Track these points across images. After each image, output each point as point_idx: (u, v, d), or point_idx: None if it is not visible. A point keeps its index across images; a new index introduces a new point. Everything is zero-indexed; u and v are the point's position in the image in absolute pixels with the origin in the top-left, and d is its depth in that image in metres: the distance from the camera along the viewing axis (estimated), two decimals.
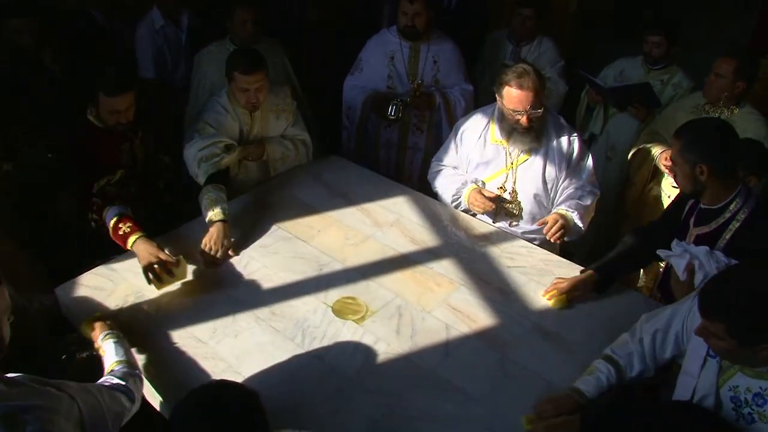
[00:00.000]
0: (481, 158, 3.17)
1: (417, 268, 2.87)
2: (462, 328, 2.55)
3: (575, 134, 3.11)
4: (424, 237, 3.07)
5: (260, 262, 2.88)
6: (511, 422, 2.15)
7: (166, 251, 2.73)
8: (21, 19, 3.53)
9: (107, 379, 2.02)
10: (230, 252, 2.89)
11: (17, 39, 3.55)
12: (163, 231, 3.00)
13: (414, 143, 4.08)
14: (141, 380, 2.13)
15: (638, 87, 3.90)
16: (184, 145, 3.21)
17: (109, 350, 2.18)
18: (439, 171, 3.34)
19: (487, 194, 3.12)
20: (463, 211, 3.25)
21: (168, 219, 3.17)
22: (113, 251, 2.86)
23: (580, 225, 3.02)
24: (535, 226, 3.15)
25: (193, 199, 3.13)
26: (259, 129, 3.40)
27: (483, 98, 4.60)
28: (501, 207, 3.18)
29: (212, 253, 2.82)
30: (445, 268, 2.87)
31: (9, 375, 1.64)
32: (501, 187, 3.16)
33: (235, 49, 3.47)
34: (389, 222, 3.17)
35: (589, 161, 3.14)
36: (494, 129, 3.11)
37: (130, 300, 2.64)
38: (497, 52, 4.50)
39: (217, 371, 2.33)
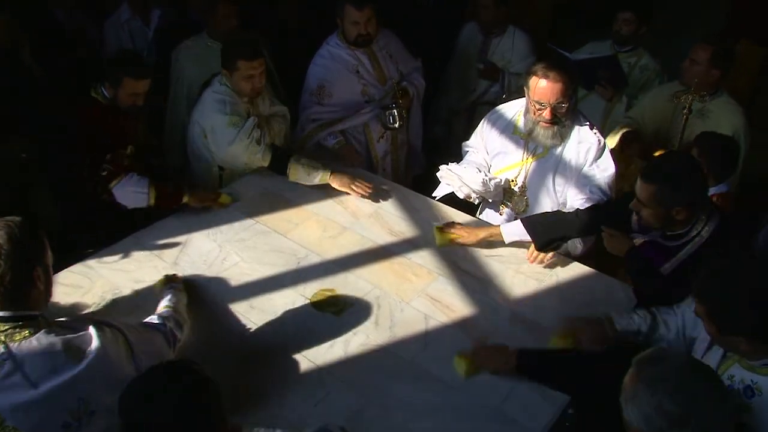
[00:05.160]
0: (502, 147, 3.11)
1: (395, 259, 2.88)
2: (440, 317, 2.57)
3: (598, 140, 2.94)
4: (401, 228, 3.07)
5: (238, 256, 2.87)
6: (491, 410, 2.17)
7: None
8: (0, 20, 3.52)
9: (151, 319, 2.23)
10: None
11: None
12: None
13: (401, 140, 4.04)
14: (182, 325, 2.29)
15: (605, 59, 3.88)
16: (229, 145, 3.27)
17: (164, 298, 2.42)
18: (466, 153, 3.30)
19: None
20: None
21: None
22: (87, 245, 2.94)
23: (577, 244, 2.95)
24: None
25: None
26: (255, 111, 3.44)
27: (455, 93, 4.60)
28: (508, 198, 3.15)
29: (365, 189, 3.21)
30: (423, 259, 2.88)
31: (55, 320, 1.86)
32: (512, 180, 3.11)
33: (230, 40, 3.43)
34: (367, 214, 3.18)
35: (609, 172, 2.93)
36: (520, 121, 3.04)
37: (108, 297, 2.62)
38: (468, 44, 4.47)
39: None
